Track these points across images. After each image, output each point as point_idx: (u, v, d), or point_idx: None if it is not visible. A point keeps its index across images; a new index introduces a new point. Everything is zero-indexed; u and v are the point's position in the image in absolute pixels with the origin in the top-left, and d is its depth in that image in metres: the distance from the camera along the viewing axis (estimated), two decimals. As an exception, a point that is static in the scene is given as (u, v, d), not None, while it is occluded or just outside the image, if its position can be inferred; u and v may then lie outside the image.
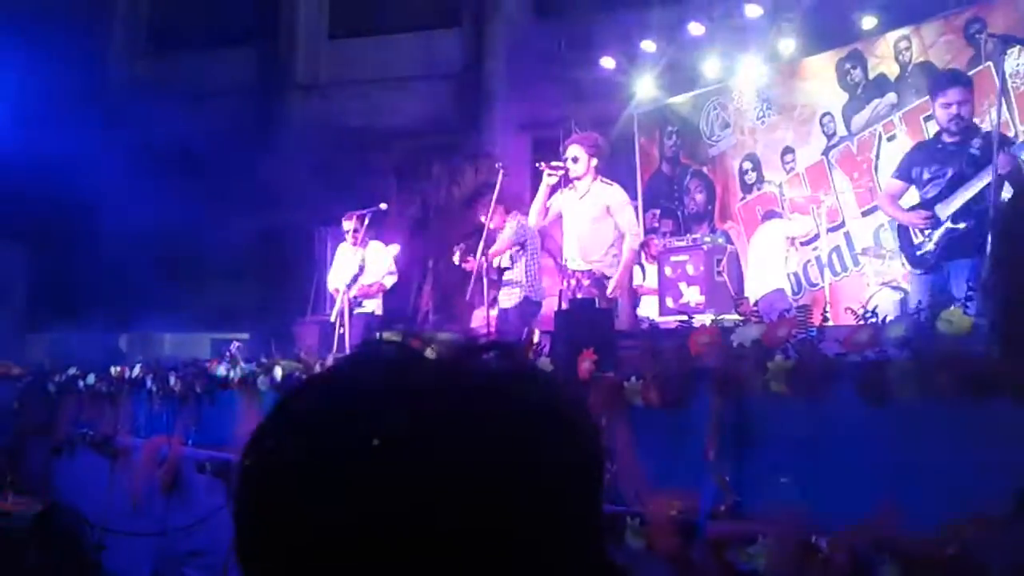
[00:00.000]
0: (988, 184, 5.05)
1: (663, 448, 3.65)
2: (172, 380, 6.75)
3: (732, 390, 3.36)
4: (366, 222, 8.34)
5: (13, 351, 10.74)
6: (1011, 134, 6.79)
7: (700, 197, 10.15)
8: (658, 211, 10.61)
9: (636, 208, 10.86)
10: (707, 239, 8.71)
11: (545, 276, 7.52)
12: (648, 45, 10.27)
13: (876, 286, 7.79)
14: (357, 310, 8.39)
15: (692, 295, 8.26)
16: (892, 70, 8.24)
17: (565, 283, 6.44)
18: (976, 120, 6.10)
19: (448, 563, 0.65)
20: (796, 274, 8.65)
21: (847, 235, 8.42)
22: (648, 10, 10.47)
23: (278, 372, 5.76)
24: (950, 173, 5.19)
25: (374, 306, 8.56)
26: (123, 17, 16.26)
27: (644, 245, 8.86)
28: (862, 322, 3.25)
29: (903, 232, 5.48)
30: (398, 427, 0.67)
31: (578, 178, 6.47)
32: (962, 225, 5.15)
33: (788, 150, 9.16)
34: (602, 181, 6.53)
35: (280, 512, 0.68)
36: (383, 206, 8.57)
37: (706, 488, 3.35)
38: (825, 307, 7.36)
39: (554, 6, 12.28)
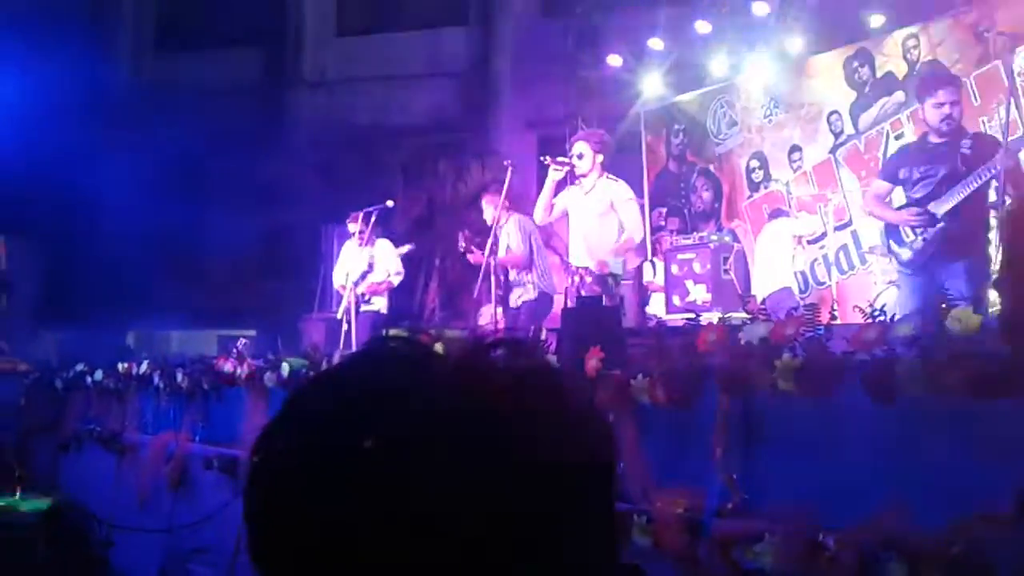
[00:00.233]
0: (983, 183, 5.04)
1: (670, 446, 3.65)
2: (179, 377, 6.76)
3: (739, 388, 3.36)
4: (372, 219, 8.34)
5: (21, 348, 10.77)
6: (1020, 133, 6.77)
7: (707, 195, 10.14)
8: (665, 209, 10.59)
9: (642, 206, 10.88)
10: (714, 237, 8.71)
11: (554, 273, 7.51)
12: (655, 43, 10.26)
13: (883, 284, 7.77)
14: (363, 307, 8.39)
15: (699, 293, 8.25)
16: (900, 68, 8.21)
17: (570, 279, 6.44)
18: (975, 113, 6.10)
19: (458, 562, 0.65)
20: (803, 272, 8.63)
21: (854, 234, 8.39)
22: (655, 8, 10.44)
23: (285, 369, 5.76)
24: (942, 172, 5.16)
25: (380, 303, 8.56)
26: (129, 16, 16.28)
27: (657, 243, 8.86)
28: (870, 320, 3.24)
29: (892, 232, 5.45)
30: (409, 425, 0.67)
31: (584, 175, 6.46)
32: (955, 223, 5.12)
33: (795, 148, 9.13)
34: (608, 177, 6.53)
35: (291, 510, 0.68)
36: (390, 203, 8.58)
37: (713, 486, 3.35)
38: (833, 305, 7.34)
39: (561, 4, 12.25)
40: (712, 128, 10.08)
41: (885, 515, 2.74)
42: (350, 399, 0.71)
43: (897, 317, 3.31)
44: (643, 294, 9.04)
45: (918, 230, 5.20)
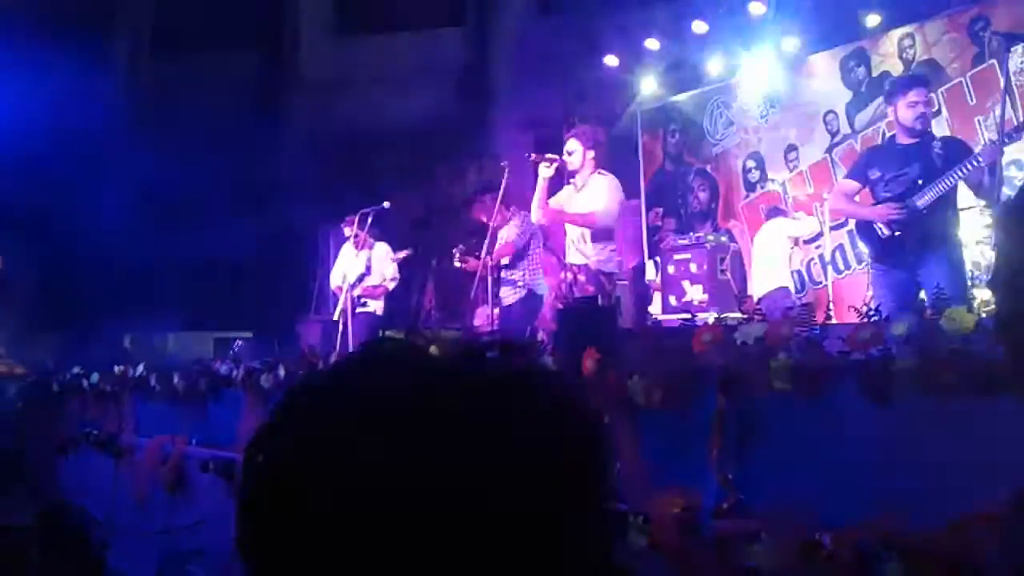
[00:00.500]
0: (962, 177, 5.06)
1: (666, 446, 3.65)
2: (176, 379, 6.76)
3: (735, 388, 3.36)
4: (369, 221, 8.34)
5: (18, 351, 10.76)
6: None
7: (703, 195, 10.15)
8: (661, 209, 10.60)
9: (638, 206, 10.88)
10: (710, 237, 8.71)
11: (548, 274, 7.50)
12: (651, 43, 10.27)
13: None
14: (359, 309, 8.39)
15: (695, 293, 8.25)
16: (896, 68, 8.23)
17: (563, 275, 6.42)
18: (971, 112, 6.09)
19: (451, 562, 0.65)
20: (799, 272, 8.65)
21: (850, 234, 8.38)
22: (651, 8, 10.46)
23: (282, 371, 5.76)
24: (917, 169, 5.17)
25: (376, 305, 8.56)
26: (126, 19, 16.27)
27: (660, 242, 8.87)
28: (865, 320, 3.24)
29: (865, 229, 5.45)
30: (402, 427, 0.67)
31: (576, 172, 6.43)
32: (935, 218, 5.13)
33: (792, 148, 9.15)
34: (599, 173, 6.49)
35: (283, 510, 0.68)
36: (386, 205, 8.57)
37: (709, 486, 3.35)
38: (828, 305, 7.35)
39: (557, 4, 12.28)
40: (708, 128, 10.09)
41: (882, 515, 2.75)
42: (344, 400, 0.71)
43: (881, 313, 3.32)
44: (645, 293, 9.05)
45: (894, 227, 5.19)
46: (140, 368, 7.31)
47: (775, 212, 8.65)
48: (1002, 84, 5.53)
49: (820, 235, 8.63)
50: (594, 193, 6.33)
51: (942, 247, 5.14)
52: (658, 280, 8.97)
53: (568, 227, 6.58)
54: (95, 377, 7.91)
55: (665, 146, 10.62)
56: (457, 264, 7.57)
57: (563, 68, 11.57)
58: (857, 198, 5.52)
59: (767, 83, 9.41)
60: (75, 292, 11.83)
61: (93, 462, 7.40)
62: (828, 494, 3.05)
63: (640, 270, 9.79)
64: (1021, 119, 5.95)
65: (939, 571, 2.52)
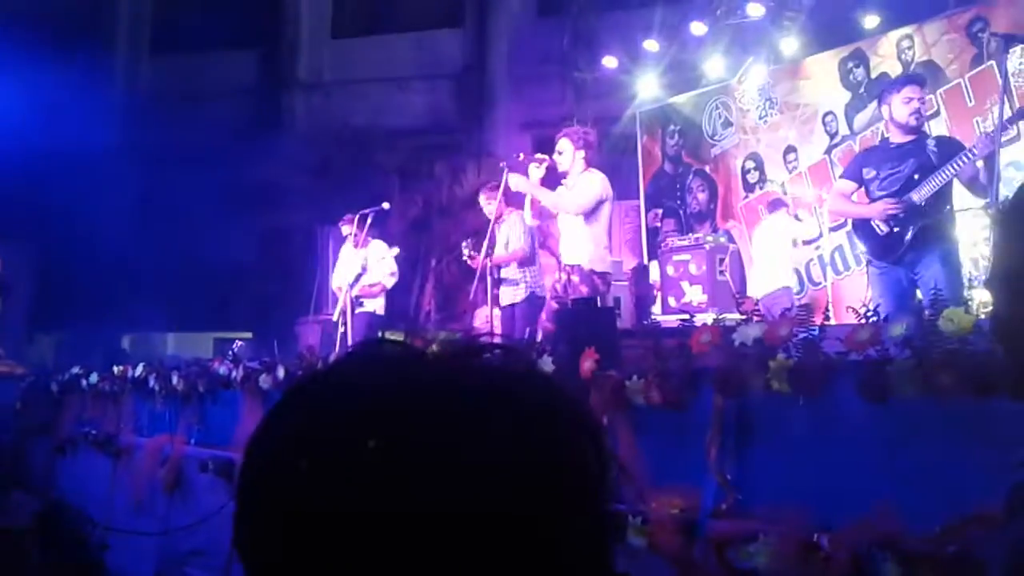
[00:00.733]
0: (957, 172, 5.06)
1: (665, 447, 3.66)
2: (175, 379, 6.75)
3: (733, 389, 3.36)
4: (368, 222, 8.33)
5: (17, 351, 10.75)
6: (1013, 134, 6.78)
7: (702, 196, 10.15)
8: (660, 210, 10.61)
9: (639, 207, 10.89)
10: (709, 238, 8.72)
11: (546, 275, 7.48)
12: (651, 44, 10.28)
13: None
14: (359, 309, 8.39)
15: (695, 294, 8.26)
16: (895, 69, 8.24)
17: (557, 275, 6.41)
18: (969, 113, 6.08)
19: (446, 563, 0.65)
20: (798, 272, 8.64)
21: (849, 234, 8.40)
22: (650, 9, 10.46)
23: (280, 371, 5.76)
24: (912, 165, 5.15)
25: (376, 305, 8.55)
26: (125, 20, 16.28)
27: (663, 243, 8.86)
28: (863, 321, 3.24)
29: (863, 227, 5.43)
30: (397, 427, 0.67)
31: (567, 172, 6.41)
32: (933, 214, 5.12)
33: (791, 149, 9.15)
34: (589, 171, 6.46)
35: (280, 511, 0.68)
36: (385, 205, 8.57)
37: (707, 487, 3.35)
38: (827, 306, 7.35)
39: (556, 5, 12.27)
40: (708, 129, 10.10)
41: (879, 515, 2.75)
42: (340, 400, 0.71)
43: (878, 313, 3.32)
44: (646, 294, 9.05)
45: (892, 224, 5.18)
46: (139, 368, 7.31)
47: (777, 205, 8.59)
48: (1000, 85, 5.52)
49: (819, 236, 8.63)
50: (581, 187, 6.30)
51: (940, 245, 5.12)
52: (658, 281, 8.97)
53: (561, 227, 6.54)
54: (94, 377, 7.91)
55: (664, 147, 10.63)
56: (465, 258, 7.55)
57: (562, 69, 11.59)
58: (854, 198, 5.52)
59: (766, 84, 9.42)
60: (74, 293, 11.82)
61: (92, 462, 7.40)
62: (826, 494, 3.05)
63: (639, 271, 9.79)
64: (1016, 109, 5.93)
65: (936, 572, 2.52)
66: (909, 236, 5.11)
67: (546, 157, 6.39)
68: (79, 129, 12.17)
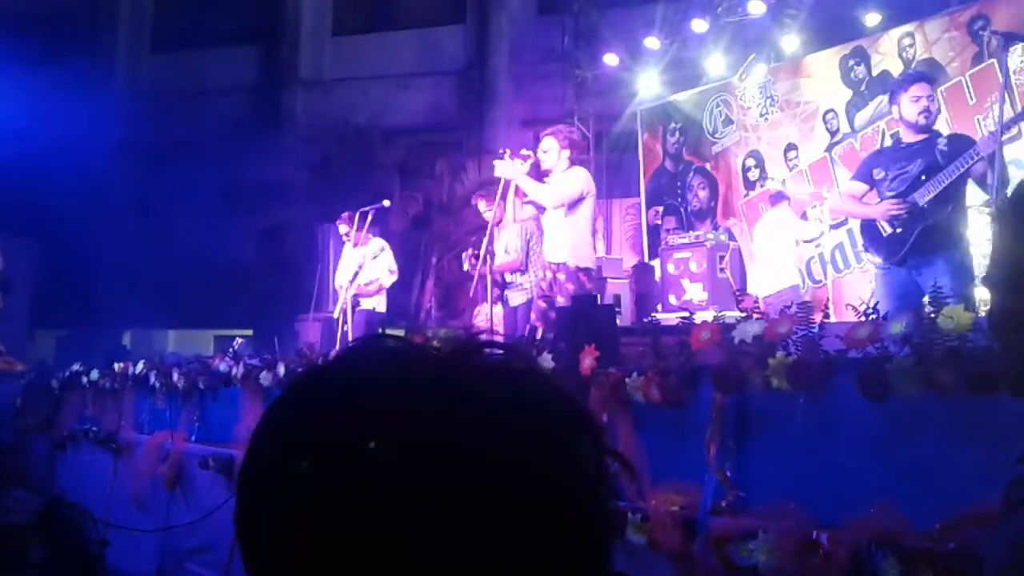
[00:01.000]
0: (963, 171, 5.03)
1: (664, 444, 3.66)
2: (175, 376, 6.76)
3: (733, 386, 3.36)
4: (369, 219, 8.33)
5: (18, 348, 10.76)
6: (1014, 132, 6.78)
7: (703, 194, 10.15)
8: (661, 208, 10.61)
9: (639, 205, 10.89)
10: (710, 236, 8.72)
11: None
12: (651, 42, 10.28)
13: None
14: (359, 307, 8.39)
15: (695, 292, 8.26)
16: (896, 67, 8.23)
17: (542, 273, 6.40)
18: (970, 112, 6.06)
19: (445, 562, 0.65)
20: (800, 270, 8.64)
21: (850, 232, 8.40)
22: (651, 7, 10.47)
23: (281, 369, 5.77)
24: (919, 165, 5.13)
25: (376, 303, 8.56)
26: (125, 17, 16.28)
27: (665, 242, 8.86)
28: (863, 318, 3.24)
29: (869, 228, 5.43)
30: (396, 426, 0.67)
31: (551, 170, 6.40)
32: (937, 214, 5.11)
33: (791, 147, 9.15)
34: (573, 169, 6.45)
35: (280, 510, 0.68)
36: (386, 203, 8.57)
37: (707, 484, 3.35)
38: (827, 303, 7.34)
39: (557, 3, 12.27)
40: (708, 126, 10.09)
41: (878, 512, 2.75)
42: (339, 397, 0.71)
43: (880, 313, 3.31)
44: (647, 292, 9.04)
45: (896, 224, 5.18)
46: (140, 365, 7.32)
47: (778, 198, 8.55)
48: (1001, 83, 5.52)
49: (821, 235, 8.62)
50: (560, 182, 6.30)
51: (946, 245, 5.07)
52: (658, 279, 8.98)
53: (544, 225, 6.53)
54: (95, 374, 7.91)
55: (665, 144, 10.63)
56: (465, 268, 7.56)
57: (563, 66, 11.59)
58: (865, 199, 5.50)
59: (767, 82, 9.42)
60: (75, 290, 11.84)
61: (92, 459, 7.41)
62: (825, 492, 3.05)
63: (640, 268, 9.79)
64: (1018, 110, 5.90)
65: (935, 569, 2.52)
66: (912, 237, 5.10)
67: (531, 154, 6.38)
68: (80, 127, 12.19)
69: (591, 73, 11.15)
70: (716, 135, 10.01)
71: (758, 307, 3.76)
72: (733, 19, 9.66)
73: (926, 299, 4.90)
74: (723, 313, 5.89)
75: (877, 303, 4.05)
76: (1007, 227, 1.27)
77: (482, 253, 6.80)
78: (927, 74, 6.46)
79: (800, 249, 8.59)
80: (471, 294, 7.55)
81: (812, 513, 2.95)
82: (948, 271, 4.93)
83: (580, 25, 11.33)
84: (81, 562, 5.82)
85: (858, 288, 7.98)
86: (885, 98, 8.28)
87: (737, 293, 5.06)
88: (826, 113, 8.84)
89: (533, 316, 6.45)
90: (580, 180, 6.29)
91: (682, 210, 10.37)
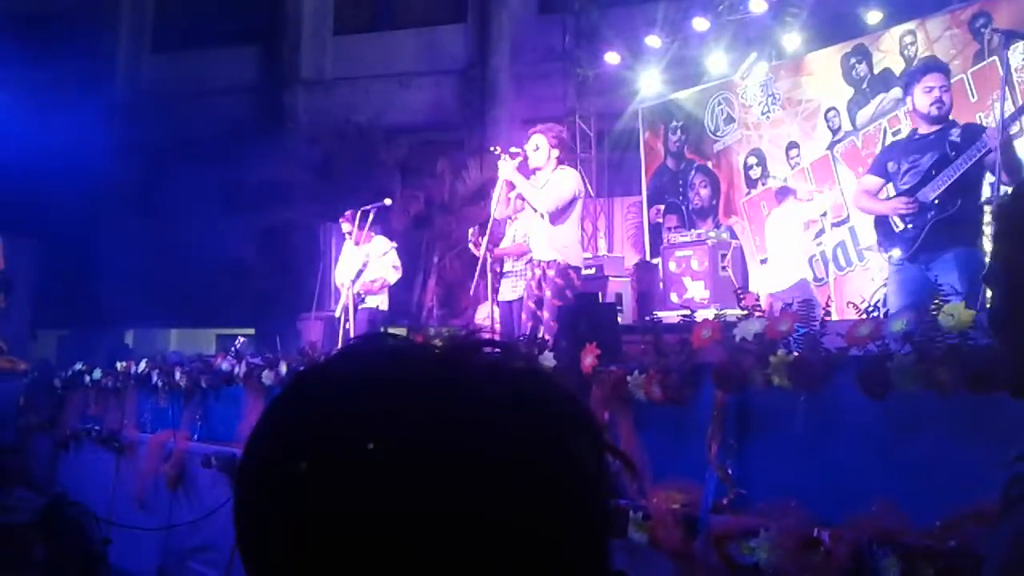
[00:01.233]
0: (971, 168, 5.01)
1: (666, 442, 3.66)
2: (178, 375, 6.77)
3: (734, 384, 3.36)
4: (370, 218, 8.33)
5: (21, 347, 10.77)
6: (1015, 129, 6.76)
7: (705, 192, 10.15)
8: (663, 206, 10.60)
9: (641, 203, 10.89)
10: (711, 234, 8.71)
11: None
12: (653, 40, 10.28)
13: (881, 281, 7.77)
14: (362, 306, 8.39)
15: (697, 290, 8.27)
16: (897, 64, 8.22)
17: (531, 272, 6.40)
18: (972, 109, 6.04)
19: (445, 563, 0.65)
20: (809, 264, 8.58)
21: (852, 230, 8.40)
22: (652, 5, 10.46)
23: (283, 367, 5.77)
24: (930, 159, 5.11)
25: (379, 301, 8.56)
26: (127, 17, 16.29)
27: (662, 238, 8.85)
28: (864, 316, 3.24)
29: (882, 223, 5.42)
30: (395, 426, 0.67)
31: (539, 168, 6.40)
32: (946, 210, 5.09)
33: (793, 145, 9.14)
34: (561, 168, 6.46)
35: (279, 511, 0.68)
36: (387, 201, 8.57)
37: (708, 481, 3.35)
38: (828, 301, 7.34)
39: (558, 1, 12.27)
40: (710, 125, 10.09)
41: (879, 510, 2.75)
42: (337, 397, 0.71)
43: (889, 311, 3.31)
44: (648, 291, 9.04)
45: (907, 220, 5.17)
46: (142, 364, 7.33)
47: (784, 194, 8.51)
48: (1003, 81, 5.51)
49: (822, 231, 8.56)
50: (554, 184, 6.30)
51: (958, 240, 5.01)
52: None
53: (532, 224, 6.51)
54: (97, 373, 7.93)
55: (666, 143, 10.62)
56: (470, 243, 7.54)
57: (564, 65, 11.59)
58: (882, 194, 5.49)
59: (768, 80, 9.41)
60: (77, 290, 11.85)
61: (95, 458, 7.42)
62: (826, 489, 3.06)
63: (641, 267, 9.79)
64: (1019, 106, 5.88)
65: (936, 567, 2.53)
66: (923, 233, 5.09)
67: (520, 151, 6.39)
68: (82, 127, 12.19)
69: (592, 72, 11.15)
70: (718, 133, 10.00)
71: (759, 305, 3.77)
72: (734, 17, 9.65)
73: (939, 297, 4.89)
74: (724, 311, 5.89)
75: (885, 300, 4.05)
76: (1007, 226, 1.27)
77: (483, 248, 6.80)
78: (941, 64, 6.42)
79: (810, 236, 8.45)
80: (472, 292, 7.55)
81: (813, 511, 2.95)
82: (959, 267, 4.90)
83: (581, 24, 11.32)
84: (83, 561, 5.83)
85: (860, 286, 7.98)
86: (887, 96, 8.30)
87: (738, 291, 5.05)
88: (828, 111, 8.83)
89: (524, 316, 6.44)
90: (572, 183, 6.30)
91: (684, 208, 10.36)
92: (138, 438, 6.96)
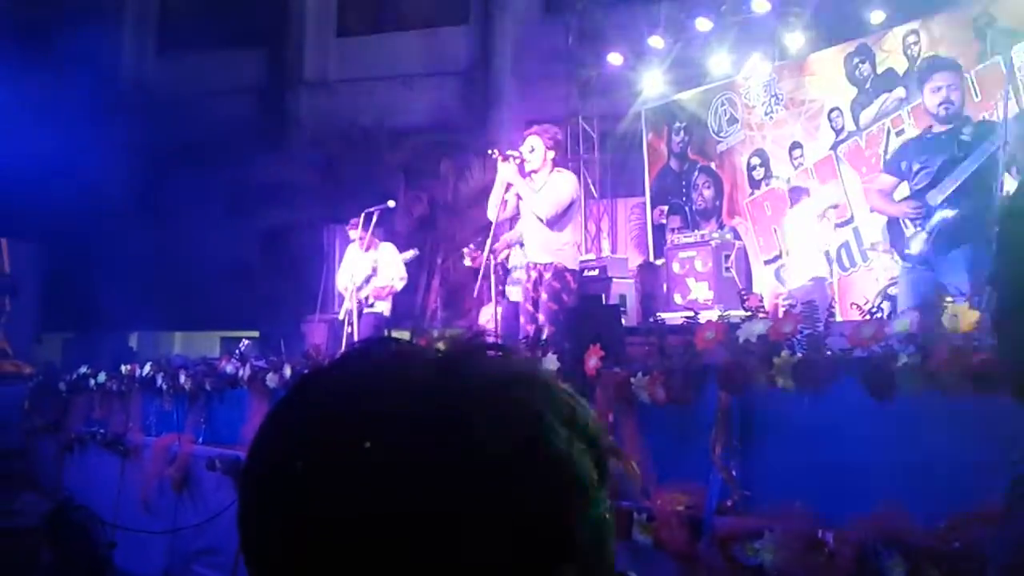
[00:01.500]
0: (980, 167, 5.00)
1: (670, 443, 3.66)
2: (182, 378, 6.78)
3: (738, 385, 3.36)
4: (374, 220, 8.33)
5: (25, 350, 10.80)
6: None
7: (708, 193, 10.14)
8: (666, 207, 10.60)
9: (644, 204, 10.89)
10: (715, 235, 8.71)
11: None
12: (656, 41, 10.28)
13: (885, 281, 7.77)
14: (366, 310, 8.39)
15: (701, 291, 8.26)
16: (900, 64, 8.22)
17: (527, 275, 6.40)
18: (976, 108, 6.03)
19: (445, 564, 0.65)
20: (827, 259, 8.53)
21: (856, 230, 8.39)
22: (655, 6, 10.46)
23: (287, 370, 5.78)
24: (940, 161, 5.12)
25: (383, 306, 8.56)
26: (132, 18, 16.32)
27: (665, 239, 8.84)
28: (868, 317, 3.24)
29: (893, 226, 5.42)
30: (394, 429, 0.67)
31: (535, 170, 6.40)
32: (951, 213, 5.08)
33: (796, 145, 9.13)
34: (557, 171, 6.46)
35: (280, 513, 0.69)
36: (391, 204, 8.56)
37: (713, 483, 3.35)
38: (831, 302, 7.32)
39: (562, 2, 12.27)
40: (713, 125, 10.08)
41: (884, 511, 2.75)
42: (338, 400, 0.71)
43: (899, 311, 3.31)
44: (651, 292, 9.03)
45: (916, 222, 5.17)
46: (146, 367, 7.33)
47: (798, 193, 8.45)
48: (1006, 80, 5.51)
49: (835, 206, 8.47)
50: (552, 189, 6.30)
51: (966, 241, 4.99)
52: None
53: (527, 226, 6.51)
54: (102, 376, 7.94)
55: (670, 144, 10.62)
56: (467, 263, 7.54)
57: (567, 66, 11.59)
58: (896, 193, 5.48)
59: (771, 80, 9.41)
60: (82, 292, 11.86)
61: (100, 461, 7.43)
62: (831, 491, 3.05)
63: (645, 268, 9.79)
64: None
65: (941, 568, 2.52)
66: (932, 235, 5.09)
67: (517, 154, 6.38)
68: (86, 129, 12.21)
69: (595, 73, 11.15)
70: (721, 134, 9.99)
71: (762, 306, 3.76)
72: (737, 17, 9.65)
73: (948, 298, 4.88)
74: (728, 312, 5.89)
75: (895, 301, 4.04)
76: (1009, 227, 1.27)
77: (486, 251, 6.80)
78: (950, 62, 6.41)
79: (828, 227, 8.38)
80: (476, 294, 7.54)
81: (817, 512, 2.95)
82: (968, 267, 4.89)
83: (584, 25, 11.33)
84: (89, 564, 5.84)
85: (864, 286, 7.98)
86: (890, 96, 8.29)
87: (742, 292, 5.05)
88: (831, 111, 8.82)
89: (523, 320, 6.43)
90: (569, 187, 6.31)
91: (687, 209, 10.36)
92: (143, 441, 6.97)
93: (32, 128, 11.70)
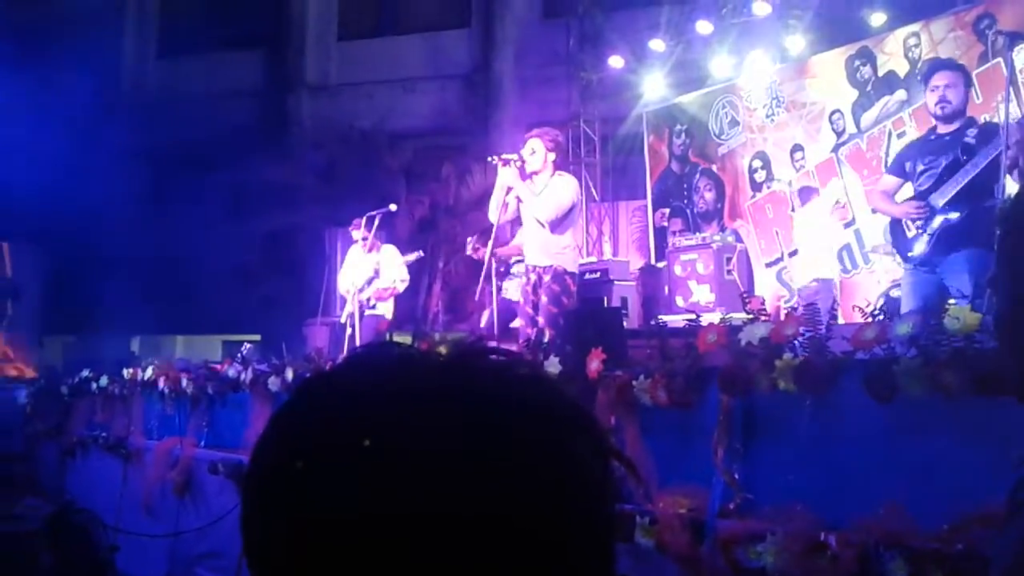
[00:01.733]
0: (984, 169, 4.99)
1: (672, 446, 3.66)
2: (184, 382, 6.78)
3: (740, 388, 3.36)
4: (376, 223, 8.33)
5: (28, 354, 10.80)
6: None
7: (709, 195, 10.14)
8: (667, 210, 10.60)
9: (645, 207, 10.89)
10: (717, 238, 8.71)
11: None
12: (657, 44, 10.29)
13: (887, 283, 7.76)
14: (368, 312, 8.39)
15: (702, 294, 8.26)
16: (902, 67, 8.21)
17: (526, 278, 6.40)
18: (977, 111, 6.02)
19: (446, 566, 0.65)
20: (838, 257, 8.54)
21: (857, 232, 8.38)
22: (656, 9, 10.47)
23: (289, 374, 5.78)
24: (943, 162, 5.11)
25: (385, 308, 8.56)
26: (133, 21, 16.33)
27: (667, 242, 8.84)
28: (869, 319, 3.24)
29: (896, 227, 5.41)
30: (397, 431, 0.68)
31: (536, 172, 6.40)
32: (955, 215, 5.08)
33: (797, 148, 9.13)
34: (559, 175, 6.46)
35: (283, 516, 0.69)
36: (392, 207, 8.57)
37: (715, 486, 3.35)
38: (833, 304, 7.32)
39: (562, 6, 12.28)
40: (714, 128, 10.08)
41: (886, 514, 2.75)
42: (340, 404, 0.72)
43: (901, 314, 3.31)
44: (653, 295, 9.03)
45: (918, 224, 5.17)
46: (148, 371, 7.34)
47: (808, 193, 8.38)
48: (1007, 81, 5.50)
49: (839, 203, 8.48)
50: (553, 192, 6.30)
51: (969, 243, 4.97)
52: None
53: (528, 229, 6.51)
54: (104, 380, 7.94)
55: (671, 146, 10.62)
56: (469, 251, 7.54)
57: (568, 69, 11.60)
58: (899, 195, 5.48)
59: (772, 83, 9.41)
60: (84, 296, 11.87)
61: (102, 465, 7.43)
62: (833, 493, 3.05)
63: (646, 271, 9.79)
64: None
65: (943, 570, 2.52)
66: (935, 237, 5.08)
67: (517, 156, 6.39)
68: (87, 132, 12.22)
69: (596, 76, 11.15)
70: (722, 136, 9.99)
71: (764, 309, 3.76)
72: (738, 20, 9.65)
73: (951, 301, 4.87)
74: (730, 315, 5.88)
75: (899, 303, 4.03)
76: (1009, 228, 1.27)
77: (487, 252, 6.80)
78: (950, 62, 6.40)
79: (838, 222, 8.37)
80: (477, 297, 7.54)
81: (820, 515, 2.94)
82: (970, 269, 4.88)
83: (585, 28, 11.34)
84: (91, 568, 5.84)
85: (866, 289, 7.97)
86: (891, 98, 8.29)
87: (744, 295, 5.06)
88: (832, 114, 8.82)
89: (522, 322, 6.43)
90: (570, 190, 6.31)
91: (688, 212, 10.36)
92: (145, 445, 6.97)
93: (33, 132, 11.71)
